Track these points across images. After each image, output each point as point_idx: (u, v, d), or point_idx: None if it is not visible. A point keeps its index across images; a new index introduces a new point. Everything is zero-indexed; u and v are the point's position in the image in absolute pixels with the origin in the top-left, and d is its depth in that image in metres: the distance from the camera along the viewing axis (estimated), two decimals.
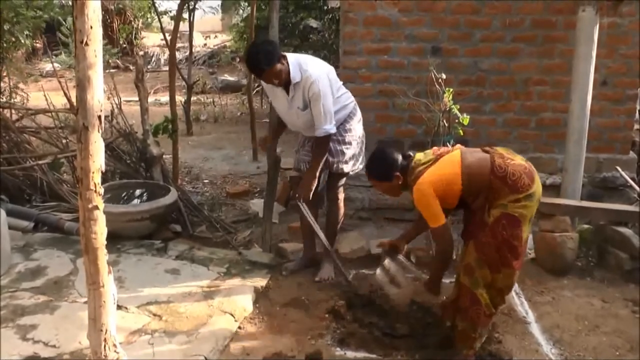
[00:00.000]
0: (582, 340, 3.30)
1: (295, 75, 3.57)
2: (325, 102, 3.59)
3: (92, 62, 1.84)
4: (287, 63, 3.56)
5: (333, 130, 3.69)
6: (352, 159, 3.88)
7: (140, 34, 17.28)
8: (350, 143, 3.84)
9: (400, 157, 3.09)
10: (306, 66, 3.59)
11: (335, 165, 3.83)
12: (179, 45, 14.73)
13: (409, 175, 3.03)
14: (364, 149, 4.00)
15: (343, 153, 3.82)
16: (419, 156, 3.08)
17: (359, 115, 3.94)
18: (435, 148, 3.18)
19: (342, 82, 3.94)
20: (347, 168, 3.86)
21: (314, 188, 3.79)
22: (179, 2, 5.63)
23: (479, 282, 2.90)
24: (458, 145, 3.14)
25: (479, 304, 2.91)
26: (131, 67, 13.90)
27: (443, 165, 2.94)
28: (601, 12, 4.13)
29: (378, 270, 3.42)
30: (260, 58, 3.48)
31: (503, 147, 3.08)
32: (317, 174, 3.78)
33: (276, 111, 3.96)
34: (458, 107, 4.12)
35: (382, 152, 3.17)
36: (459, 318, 2.99)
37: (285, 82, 3.61)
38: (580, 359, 3.14)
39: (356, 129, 3.90)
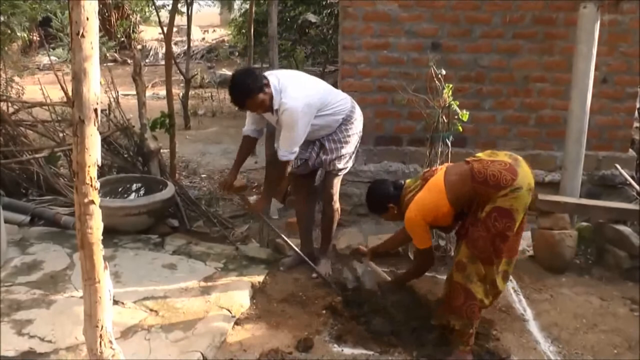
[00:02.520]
0: (580, 338, 3.29)
1: (275, 102, 3.55)
2: (293, 132, 3.55)
3: (88, 55, 1.81)
4: (271, 89, 3.53)
5: (290, 158, 3.65)
6: (346, 157, 3.86)
7: (138, 27, 17.21)
8: (347, 142, 3.82)
9: (391, 189, 3.33)
10: (285, 94, 3.53)
11: (329, 164, 3.81)
12: (177, 39, 14.73)
13: (402, 204, 3.24)
14: (357, 148, 3.98)
15: (338, 150, 3.79)
16: (409, 183, 3.32)
17: (357, 114, 3.88)
18: (425, 170, 3.39)
19: (337, 86, 3.92)
20: (340, 165, 3.84)
21: (263, 207, 3.96)
22: None
23: (472, 277, 2.96)
24: (446, 165, 3.31)
25: (474, 299, 2.95)
26: (129, 61, 13.85)
27: (428, 192, 3.09)
28: (602, 10, 4.11)
29: (345, 269, 3.71)
30: (240, 89, 3.49)
31: (487, 151, 3.19)
32: (270, 194, 3.93)
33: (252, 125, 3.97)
34: (457, 103, 4.10)
35: (374, 187, 3.45)
36: (454, 317, 2.99)
37: (267, 110, 3.60)
38: (578, 357, 3.13)
39: (355, 128, 3.85)
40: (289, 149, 3.61)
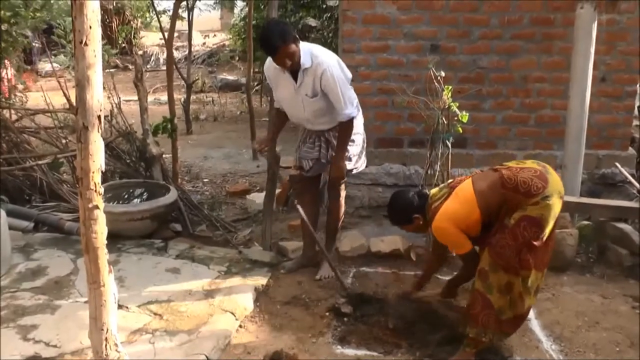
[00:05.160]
0: (582, 336, 3.30)
1: (305, 61, 3.54)
2: (342, 87, 3.58)
3: (91, 62, 1.85)
4: (299, 47, 3.53)
5: (355, 113, 3.68)
6: (355, 156, 3.89)
7: (139, 33, 17.28)
8: (353, 140, 3.84)
9: (416, 198, 3.19)
10: (317, 53, 3.58)
11: None
12: (178, 44, 14.79)
13: (427, 213, 3.11)
14: (365, 147, 4.01)
15: (347, 150, 3.82)
16: (434, 192, 3.19)
17: (360, 114, 3.93)
18: (450, 180, 3.29)
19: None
20: (349, 165, 3.87)
21: (344, 170, 3.80)
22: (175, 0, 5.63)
23: (492, 287, 2.88)
24: (472, 174, 3.18)
25: (491, 309, 2.89)
26: (130, 67, 13.89)
27: (457, 199, 2.98)
28: (599, 9, 4.13)
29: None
30: (275, 35, 3.42)
31: (514, 161, 3.12)
32: (344, 155, 3.78)
33: (279, 102, 3.90)
34: (457, 104, 4.13)
35: (397, 197, 3.30)
36: (470, 325, 2.96)
37: (295, 68, 3.58)
38: (580, 355, 3.14)
39: (358, 126, 3.89)
40: (350, 106, 3.64)
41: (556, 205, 2.84)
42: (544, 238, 2.85)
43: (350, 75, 3.78)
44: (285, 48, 3.44)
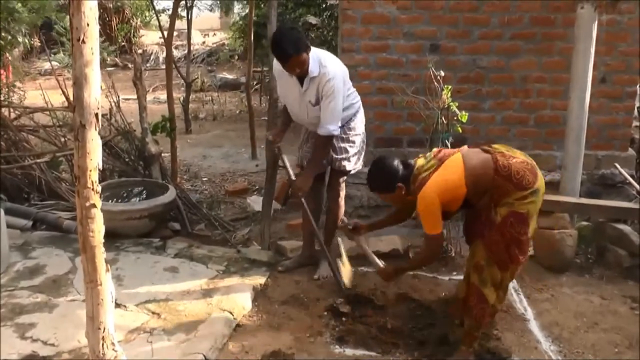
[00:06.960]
0: (581, 337, 3.30)
1: (313, 69, 3.54)
2: (336, 103, 3.58)
3: (89, 60, 1.83)
4: (309, 54, 3.52)
5: (336, 132, 3.68)
6: (355, 156, 3.90)
7: (139, 32, 17.26)
8: (354, 142, 3.85)
9: (401, 167, 3.05)
10: (325, 62, 3.57)
11: (338, 163, 3.84)
12: (177, 43, 14.75)
13: (413, 184, 2.99)
14: (364, 147, 4.00)
15: (346, 151, 3.83)
16: (421, 162, 3.04)
17: (362, 114, 3.94)
18: (435, 150, 3.17)
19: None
20: (349, 166, 3.87)
21: (310, 184, 3.79)
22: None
23: (487, 281, 2.92)
24: (460, 148, 3.11)
25: (485, 303, 2.93)
26: (130, 66, 13.87)
27: (447, 171, 2.91)
28: (600, 10, 4.12)
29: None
30: (288, 44, 3.41)
31: (501, 144, 3.11)
32: (315, 172, 3.80)
33: (283, 100, 3.89)
34: (457, 104, 4.12)
35: (382, 163, 3.10)
36: (466, 316, 3.01)
37: (303, 74, 3.58)
38: (579, 356, 3.14)
39: (359, 128, 3.91)
40: (334, 123, 3.63)
41: (540, 201, 2.90)
42: (529, 234, 2.91)
43: (350, 83, 3.80)
44: (297, 57, 3.44)
